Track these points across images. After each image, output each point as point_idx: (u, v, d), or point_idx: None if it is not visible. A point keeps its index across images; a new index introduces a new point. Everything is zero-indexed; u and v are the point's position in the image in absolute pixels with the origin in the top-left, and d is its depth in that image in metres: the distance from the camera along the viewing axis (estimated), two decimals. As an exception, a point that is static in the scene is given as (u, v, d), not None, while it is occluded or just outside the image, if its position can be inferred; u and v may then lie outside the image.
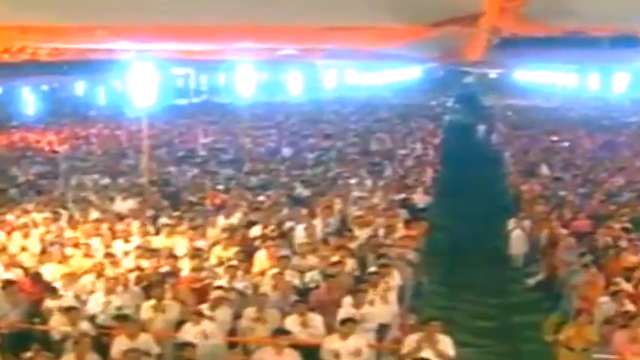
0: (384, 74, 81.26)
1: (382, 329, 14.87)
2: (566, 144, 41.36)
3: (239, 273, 16.44)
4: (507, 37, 16.54)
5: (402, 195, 25.98)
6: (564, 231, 21.35)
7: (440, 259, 23.69)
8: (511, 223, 23.65)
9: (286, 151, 37.08)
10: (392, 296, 15.76)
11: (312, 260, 17.55)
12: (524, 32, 12.68)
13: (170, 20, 15.19)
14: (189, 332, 13.24)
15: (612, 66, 47.78)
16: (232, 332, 14.42)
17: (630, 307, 15.06)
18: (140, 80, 24.73)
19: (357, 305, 14.35)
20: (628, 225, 21.50)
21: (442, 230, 26.46)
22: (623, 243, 19.47)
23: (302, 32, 13.23)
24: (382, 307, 14.95)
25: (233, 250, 18.03)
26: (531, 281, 21.88)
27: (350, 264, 17.10)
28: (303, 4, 10.72)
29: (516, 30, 12.59)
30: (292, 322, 13.79)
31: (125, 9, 13.08)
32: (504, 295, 21.37)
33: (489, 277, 22.65)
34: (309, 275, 16.61)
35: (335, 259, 17.08)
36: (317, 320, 13.92)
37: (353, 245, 18.73)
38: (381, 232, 20.39)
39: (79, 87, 68.76)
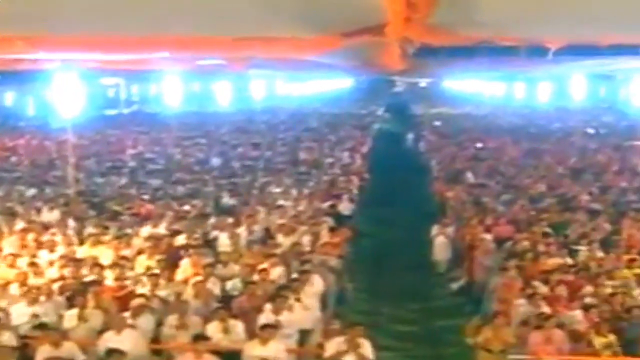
0: (314, 84, 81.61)
1: (304, 335, 15.07)
2: (491, 151, 41.88)
3: (162, 281, 16.56)
4: (425, 46, 16.78)
5: (328, 204, 26.23)
6: (487, 236, 21.74)
7: (365, 265, 23.97)
8: (435, 229, 24.02)
9: (215, 161, 37.11)
10: (314, 302, 15.98)
11: (235, 268, 17.71)
12: (433, 41, 12.90)
13: (91, 31, 15.19)
14: (112, 340, 13.30)
15: (528, 75, 48.47)
16: (155, 339, 14.51)
17: (545, 309, 15.42)
18: (65, 90, 24.67)
19: (277, 311, 14.55)
20: (547, 230, 21.98)
21: (367, 237, 26.80)
22: (541, 247, 19.90)
23: (220, 43, 13.35)
24: (302, 313, 15.14)
25: (157, 259, 18.09)
26: (454, 286, 22.24)
27: (274, 271, 17.26)
28: (220, 15, 10.85)
29: (425, 40, 12.82)
30: (213, 329, 13.97)
31: (45, 20, 13.09)
32: (427, 300, 21.68)
33: (412, 282, 22.95)
34: (231, 283, 16.76)
35: (261, 266, 17.29)
36: (238, 326, 14.11)
37: (277, 252, 18.89)
38: (305, 239, 20.61)
39: (8, 98, 68.02)
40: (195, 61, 24.95)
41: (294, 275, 16.83)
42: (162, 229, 21.76)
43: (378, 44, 13.60)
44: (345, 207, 26.80)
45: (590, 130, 53.59)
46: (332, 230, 22.20)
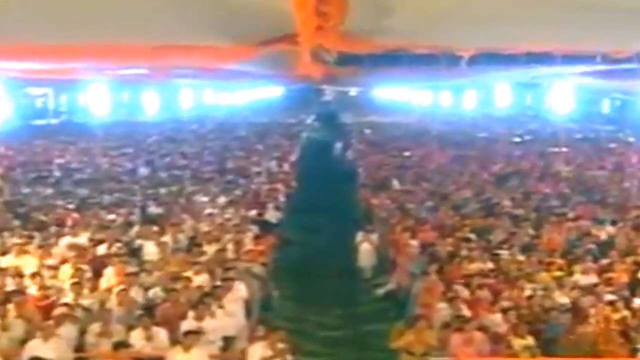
0: (244, 93, 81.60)
1: (228, 341, 15.17)
2: (417, 159, 42.34)
3: (85, 290, 16.56)
4: (345, 54, 16.95)
5: (254, 212, 26.35)
6: (411, 242, 22.02)
7: (291, 272, 24.08)
8: (359, 236, 24.25)
9: (142, 170, 36.97)
10: (237, 309, 16.12)
11: (158, 276, 17.75)
12: (347, 49, 13.07)
13: (12, 40, 15.12)
14: (37, 349, 13.29)
15: (451, 83, 49.08)
16: (79, 347, 14.50)
17: (466, 311, 15.74)
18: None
19: (199, 318, 14.66)
20: (470, 235, 22.39)
21: (294, 245, 26.97)
22: (464, 252, 20.25)
23: (140, 51, 13.38)
24: (226, 319, 15.28)
25: (81, 268, 18.04)
26: (379, 291, 22.39)
27: (197, 278, 17.34)
28: (139, 24, 10.91)
29: (339, 48, 12.98)
30: (136, 336, 14.06)
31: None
32: (352, 306, 21.87)
33: (338, 288, 23.17)
34: (154, 291, 16.80)
35: (184, 274, 17.37)
36: (161, 333, 14.20)
37: (202, 260, 18.97)
38: (230, 247, 20.73)
39: None
40: (118, 71, 24.85)
41: (218, 283, 16.92)
42: (87, 239, 21.67)
43: (295, 53, 13.74)
44: (271, 215, 26.97)
45: (516, 138, 54.47)
46: (257, 238, 22.33)
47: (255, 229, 23.65)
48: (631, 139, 53.58)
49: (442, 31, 11.64)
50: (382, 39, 12.17)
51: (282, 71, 23.39)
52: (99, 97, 37.69)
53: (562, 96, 40.39)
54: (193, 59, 14.14)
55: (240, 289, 16.83)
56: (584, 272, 18.85)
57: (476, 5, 9.64)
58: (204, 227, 23.07)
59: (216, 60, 14.58)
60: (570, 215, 26.01)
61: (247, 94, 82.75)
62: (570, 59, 21.78)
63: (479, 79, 35.96)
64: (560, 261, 19.72)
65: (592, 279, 18.42)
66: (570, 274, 18.76)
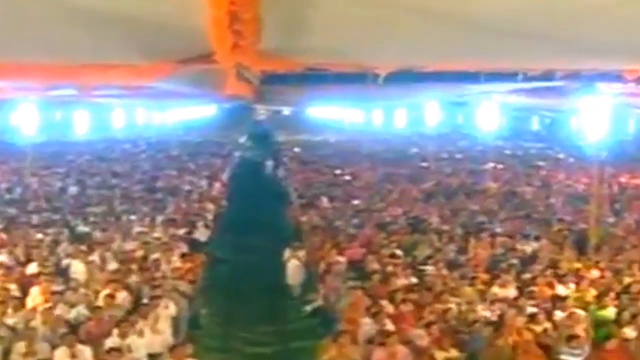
0: (177, 112, 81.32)
1: (154, 358, 15.23)
2: (348, 177, 42.66)
3: (10, 310, 16.50)
4: (270, 73, 17.05)
5: (183, 230, 26.39)
6: (339, 259, 22.23)
7: (220, 290, 24.18)
8: (287, 253, 24.41)
9: (72, 190, 36.77)
10: (164, 326, 16.17)
11: (84, 294, 17.74)
12: (267, 68, 13.16)
13: None
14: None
15: (381, 103, 49.46)
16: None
17: (390, 326, 15.97)
18: None
19: (123, 335, 14.71)
20: (397, 251, 22.69)
21: (223, 263, 26.97)
22: (390, 268, 20.51)
23: (56, 70, 13.34)
24: (151, 337, 15.34)
25: (7, 287, 17.98)
26: (308, 308, 22.57)
27: (123, 296, 17.38)
28: (55, 43, 10.93)
29: (259, 67, 13.07)
30: (61, 354, 14.07)
31: None
32: (281, 323, 21.99)
33: (267, 306, 23.24)
34: (79, 309, 16.79)
35: (107, 292, 17.39)
36: (85, 351, 14.24)
37: (128, 278, 19.00)
38: (158, 265, 20.77)
39: None
40: (46, 91, 24.67)
41: (145, 301, 16.97)
42: (13, 257, 21.58)
43: (217, 71, 13.82)
44: (201, 234, 27.04)
45: (446, 155, 55.17)
46: (185, 256, 22.36)
47: (184, 247, 23.69)
48: (560, 156, 54.56)
49: (360, 50, 11.82)
50: (301, 58, 12.30)
51: (206, 89, 23.35)
52: (29, 116, 37.23)
53: (493, 114, 40.83)
54: (112, 77, 14.10)
55: (168, 307, 16.90)
56: (507, 286, 19.22)
57: (395, 24, 9.83)
58: (132, 245, 23.06)
59: (136, 78, 14.54)
60: (497, 230, 26.47)
61: (180, 113, 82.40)
62: (493, 77, 22.07)
63: (404, 98, 36.23)
64: (484, 276, 20.09)
65: (514, 292, 18.79)
66: (493, 287, 19.08)
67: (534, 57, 14.56)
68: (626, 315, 17.13)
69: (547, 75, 20.99)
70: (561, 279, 20.06)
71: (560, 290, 19.24)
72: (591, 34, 10.77)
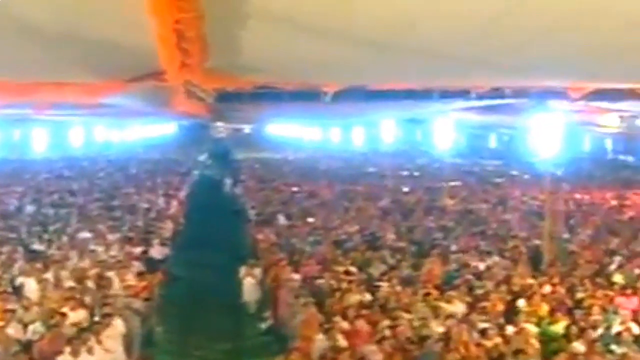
0: (137, 130, 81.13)
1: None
2: (305, 194, 42.78)
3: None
4: (224, 91, 17.13)
5: (140, 248, 26.32)
6: (294, 276, 22.31)
7: (176, 308, 24.22)
8: (243, 270, 24.48)
9: (29, 208, 36.56)
10: (116, 344, 16.17)
11: (37, 312, 17.70)
12: (215, 86, 13.29)
13: None
14: None
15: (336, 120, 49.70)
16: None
17: (342, 342, 16.09)
18: None
19: (75, 353, 14.70)
20: (352, 268, 22.80)
21: (180, 281, 26.97)
22: (344, 285, 20.61)
23: (6, 88, 13.38)
24: (103, 355, 15.35)
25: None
26: (263, 325, 22.73)
27: (75, 314, 17.34)
28: (6, 60, 11.00)
29: (207, 85, 13.19)
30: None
31: None
32: (237, 340, 22.09)
33: (223, 323, 23.34)
34: (32, 327, 16.75)
35: (62, 310, 17.36)
36: (37, 369, 14.22)
37: (82, 296, 18.97)
38: (111, 283, 20.74)
39: None
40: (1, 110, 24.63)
41: (96, 318, 16.96)
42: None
43: (165, 89, 13.92)
44: (157, 252, 26.96)
45: (404, 173, 55.45)
46: (141, 274, 22.34)
47: (139, 265, 23.66)
48: (516, 173, 55.01)
49: (307, 68, 11.98)
50: (249, 77, 12.44)
51: (157, 107, 23.39)
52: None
53: (449, 132, 41.26)
54: (65, 95, 14.17)
55: (119, 325, 16.90)
56: (459, 301, 19.39)
57: (339, 45, 10.00)
58: (87, 263, 23.01)
59: (88, 96, 14.60)
60: (452, 247, 26.65)
61: (139, 131, 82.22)
62: (447, 95, 22.32)
63: (359, 116, 36.41)
64: (437, 292, 20.24)
65: (465, 308, 18.98)
66: (446, 303, 19.24)
67: (482, 76, 14.84)
68: (575, 330, 17.36)
69: (498, 93, 21.33)
70: (514, 294, 20.27)
71: (513, 305, 19.44)
72: (536, 54, 11.02)
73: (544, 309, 19.12)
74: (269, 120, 53.47)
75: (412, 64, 11.79)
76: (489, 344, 16.38)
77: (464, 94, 22.31)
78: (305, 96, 20.91)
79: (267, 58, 10.84)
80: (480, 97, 22.35)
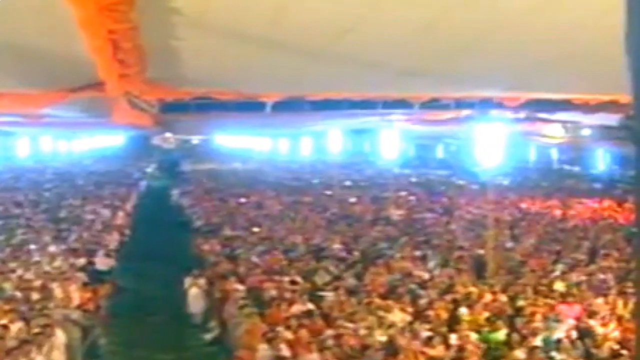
0: (84, 141, 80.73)
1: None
2: (252, 205, 42.83)
3: None
4: (167, 102, 17.15)
5: (85, 260, 26.20)
6: (238, 286, 22.33)
7: (122, 319, 24.08)
8: (188, 281, 24.46)
9: (-27, 220, 36.25)
10: (58, 356, 16.11)
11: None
12: (155, 96, 13.29)
13: None
14: None
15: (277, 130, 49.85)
16: None
17: (286, 351, 16.16)
18: None
19: (17, 365, 14.65)
20: (296, 278, 22.88)
21: (125, 292, 26.86)
22: (288, 294, 20.68)
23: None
24: (44, 366, 15.28)
25: None
26: (208, 336, 22.69)
27: (15, 326, 17.24)
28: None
29: (146, 95, 13.17)
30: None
31: None
32: (181, 351, 22.01)
33: (168, 334, 23.24)
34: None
35: (2, 322, 17.26)
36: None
37: (24, 307, 18.86)
38: (55, 294, 20.64)
39: None
40: None
41: (37, 330, 16.85)
42: None
43: (108, 100, 13.91)
44: (102, 263, 26.86)
45: (351, 183, 55.68)
46: (86, 285, 22.26)
47: (83, 276, 23.55)
48: (462, 183, 55.47)
49: (245, 79, 12.03)
50: (188, 87, 12.47)
51: (100, 118, 23.30)
52: None
53: (397, 142, 41.53)
54: (4, 105, 14.09)
55: (59, 336, 16.82)
56: (402, 310, 19.51)
57: (275, 54, 10.08)
58: (31, 275, 22.86)
59: (26, 106, 14.52)
60: (396, 256, 26.77)
61: (87, 142, 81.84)
62: (391, 105, 22.49)
63: (302, 126, 36.58)
64: (381, 301, 20.35)
65: (409, 317, 19.11)
66: (389, 312, 19.35)
67: (420, 86, 15.00)
68: (516, 337, 17.56)
69: (440, 104, 21.55)
70: (456, 303, 20.45)
71: (457, 313, 19.61)
72: (471, 63, 11.17)
73: (485, 317, 19.30)
74: (214, 131, 53.35)
75: (348, 73, 11.89)
76: (433, 352, 16.52)
77: (406, 104, 22.49)
78: (249, 106, 21.02)
79: (206, 68, 10.88)
80: (423, 107, 22.61)
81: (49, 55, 9.84)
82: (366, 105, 21.77)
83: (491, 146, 25.38)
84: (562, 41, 9.26)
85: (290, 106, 19.52)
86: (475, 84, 14.58)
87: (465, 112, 24.70)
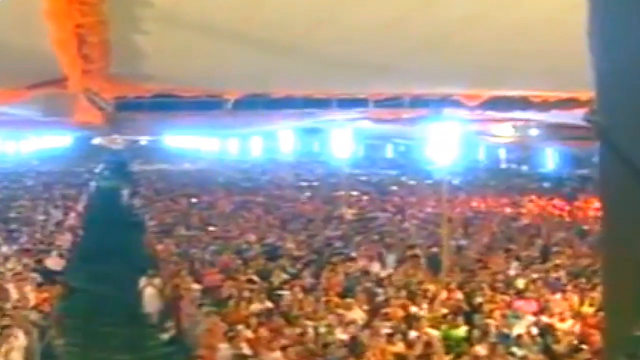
0: (32, 142, 79.92)
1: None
2: (204, 205, 42.69)
3: None
4: (123, 100, 16.93)
5: (37, 260, 25.93)
6: (194, 286, 22.23)
7: (77, 320, 23.85)
8: (143, 281, 24.30)
9: None
10: (15, 357, 15.91)
11: None
12: (116, 93, 13.10)
13: None
14: None
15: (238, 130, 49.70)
16: None
17: (247, 350, 16.10)
18: None
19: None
20: (253, 277, 22.82)
21: (79, 293, 26.55)
22: (246, 293, 20.61)
23: None
24: (3, 367, 15.10)
25: None
26: (165, 336, 22.56)
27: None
28: None
29: (108, 92, 12.99)
30: None
31: None
32: (138, 351, 21.88)
33: (124, 335, 23.07)
34: None
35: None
36: None
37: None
38: (10, 296, 20.40)
39: None
40: None
41: (-4, 331, 16.69)
42: None
43: (68, 97, 13.71)
44: (55, 263, 26.57)
45: (302, 183, 55.75)
46: (40, 286, 22.03)
47: (37, 277, 23.29)
48: (413, 182, 55.74)
49: (208, 76, 11.95)
50: (150, 84, 12.33)
51: (56, 115, 22.98)
52: None
53: (347, 142, 41.56)
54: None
55: (19, 337, 16.62)
56: (360, 308, 19.53)
57: (242, 52, 10.02)
58: (-16, 276, 22.62)
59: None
60: (352, 255, 26.79)
61: (35, 142, 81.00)
62: (345, 103, 22.41)
63: (258, 125, 36.38)
64: (339, 299, 20.35)
65: (367, 315, 19.14)
66: (347, 310, 19.35)
67: (381, 83, 15.00)
68: (476, 333, 17.65)
69: (396, 102, 21.56)
70: (414, 300, 20.51)
71: (414, 311, 19.66)
72: (433, 62, 11.19)
73: (443, 313, 19.37)
74: (167, 131, 53.06)
75: (314, 70, 11.86)
76: (394, 349, 16.55)
77: (362, 102, 22.50)
78: (205, 105, 20.89)
79: (170, 65, 10.78)
80: (378, 105, 22.62)
81: (9, 50, 9.67)
82: (321, 104, 21.66)
83: (442, 146, 25.50)
84: (526, 38, 9.28)
85: (249, 104, 19.42)
86: (437, 82, 14.62)
87: (419, 111, 24.72)
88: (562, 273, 24.21)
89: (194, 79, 12.30)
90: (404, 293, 21.14)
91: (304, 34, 9.11)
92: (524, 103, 18.24)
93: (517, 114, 24.44)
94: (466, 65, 11.77)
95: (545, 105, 18.10)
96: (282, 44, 9.74)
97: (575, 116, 23.35)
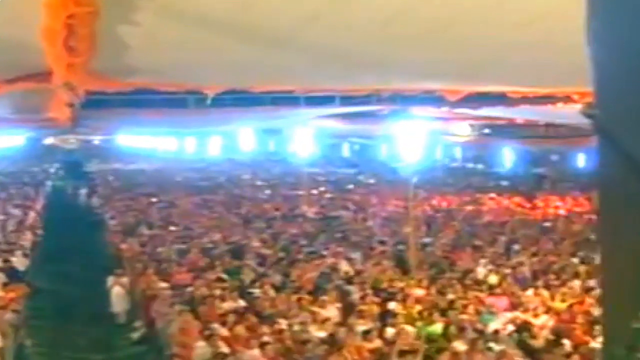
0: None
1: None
2: (164, 204, 42.53)
3: None
4: (90, 97, 16.58)
5: (1, 260, 25.61)
6: (163, 285, 22.05)
7: (44, 321, 23.61)
8: (110, 280, 24.10)
9: None
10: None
11: None
12: (94, 88, 12.80)
13: None
14: None
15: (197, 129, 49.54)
16: None
17: (224, 349, 15.97)
18: None
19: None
20: (222, 275, 22.72)
21: (44, 293, 26.23)
22: (217, 292, 20.50)
23: None
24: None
25: None
26: (134, 335, 22.35)
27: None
28: None
29: (87, 87, 12.71)
30: None
31: None
32: (109, 351, 21.64)
33: (93, 334, 22.77)
34: None
35: None
36: None
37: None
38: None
39: None
40: None
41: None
42: None
43: (46, 93, 13.46)
44: (20, 263, 26.27)
45: (260, 182, 55.79)
46: (6, 285, 21.78)
47: (2, 277, 23.01)
48: (372, 180, 55.96)
49: (188, 70, 11.81)
50: (129, 78, 12.13)
51: (31, 113, 22.53)
52: None
53: (304, 141, 41.60)
54: None
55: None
56: (333, 306, 19.49)
57: (215, 46, 9.91)
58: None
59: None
60: (320, 253, 26.77)
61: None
62: (312, 100, 22.20)
63: (225, 123, 36.14)
64: (310, 297, 20.30)
65: (339, 312, 19.12)
66: (320, 308, 19.29)
67: (360, 79, 14.94)
68: (453, 329, 17.66)
69: (365, 100, 21.47)
70: (388, 297, 20.51)
71: (388, 308, 19.66)
72: (416, 57, 11.13)
73: (417, 310, 19.37)
74: (128, 129, 52.68)
75: (302, 64, 11.77)
76: (370, 346, 16.51)
77: (329, 99, 22.41)
78: (172, 103, 20.76)
79: (156, 59, 10.62)
80: (345, 103, 22.59)
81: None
82: (288, 100, 21.44)
83: (403, 144, 25.57)
84: (515, 32, 9.24)
85: (229, 101, 19.32)
86: (418, 77, 14.56)
87: (383, 108, 24.71)
88: (527, 269, 24.39)
89: (177, 73, 12.15)
90: (376, 290, 21.14)
91: (305, 25, 8.99)
92: (504, 99, 18.22)
93: (495, 111, 24.42)
94: (446, 60, 11.72)
95: (525, 101, 18.11)
96: (269, 40, 9.63)
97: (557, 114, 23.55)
